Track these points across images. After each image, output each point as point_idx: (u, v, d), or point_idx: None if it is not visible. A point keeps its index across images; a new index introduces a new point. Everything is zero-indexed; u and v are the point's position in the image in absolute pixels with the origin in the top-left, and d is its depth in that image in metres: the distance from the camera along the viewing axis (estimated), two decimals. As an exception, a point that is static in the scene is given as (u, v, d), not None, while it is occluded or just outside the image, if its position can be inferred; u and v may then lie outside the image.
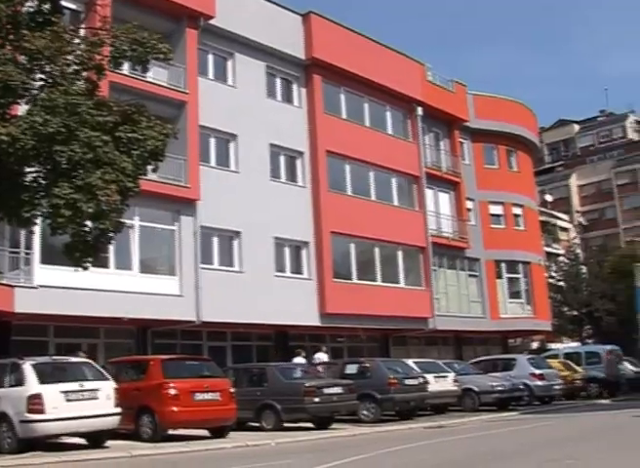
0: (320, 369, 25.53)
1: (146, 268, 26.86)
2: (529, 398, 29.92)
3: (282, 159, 32.31)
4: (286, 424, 21.13)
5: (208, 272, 27.92)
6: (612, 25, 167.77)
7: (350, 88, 35.60)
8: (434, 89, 40.36)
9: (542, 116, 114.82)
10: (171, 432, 18.24)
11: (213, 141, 29.79)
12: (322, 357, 28.77)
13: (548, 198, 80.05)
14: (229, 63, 31.07)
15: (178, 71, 28.01)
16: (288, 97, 33.24)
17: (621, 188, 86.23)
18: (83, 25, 19.41)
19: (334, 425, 22.03)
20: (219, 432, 19.05)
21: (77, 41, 16.95)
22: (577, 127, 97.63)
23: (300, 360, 28.29)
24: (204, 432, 19.09)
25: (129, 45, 16.76)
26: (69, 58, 16.15)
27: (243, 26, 30.72)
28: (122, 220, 17.10)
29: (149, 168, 17.99)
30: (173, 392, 18.01)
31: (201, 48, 29.65)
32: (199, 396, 18.48)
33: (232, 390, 19.37)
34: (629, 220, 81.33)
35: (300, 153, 32.83)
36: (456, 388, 26.99)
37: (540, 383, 30.11)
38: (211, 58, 30.63)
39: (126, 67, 23.54)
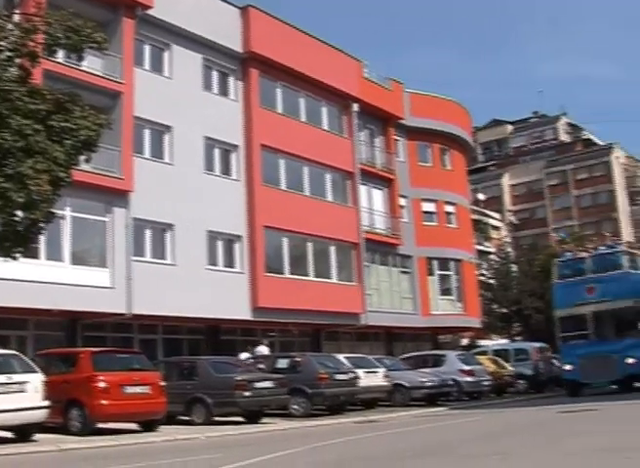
0: (262, 362, 25.61)
1: (77, 260, 26.52)
2: (458, 393, 30.25)
3: (217, 152, 32.15)
4: (216, 418, 21.08)
5: (140, 264, 27.69)
6: (547, 29, 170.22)
7: (287, 82, 35.56)
8: (371, 86, 40.52)
9: (477, 116, 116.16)
10: (100, 425, 18.04)
11: (147, 133, 29.53)
12: (263, 350, 28.81)
13: (481, 197, 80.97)
14: (166, 55, 30.81)
15: (113, 61, 27.69)
16: (224, 91, 33.08)
17: (552, 189, 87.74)
18: (17, 11, 19.13)
19: (264, 419, 22.03)
20: (148, 426, 18.90)
21: (10, 27, 16.69)
22: (510, 127, 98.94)
23: (262, 349, 28.44)
24: (134, 426, 18.93)
25: (63, 32, 16.55)
26: (2, 43, 15.93)
27: (181, 18, 30.48)
28: (53, 211, 16.91)
29: (82, 158, 17.79)
30: (102, 385, 17.79)
31: (138, 38, 29.34)
32: (129, 389, 18.31)
33: (162, 383, 19.23)
34: (559, 220, 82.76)
35: (235, 147, 32.71)
36: (386, 383, 27.16)
37: (468, 379, 30.48)
38: (147, 48, 30.33)
39: (60, 55, 23.23)
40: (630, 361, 27.72)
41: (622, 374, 27.93)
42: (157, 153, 29.64)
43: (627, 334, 29.28)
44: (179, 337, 30.62)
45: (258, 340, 31.87)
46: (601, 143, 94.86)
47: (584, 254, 32.02)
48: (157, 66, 30.46)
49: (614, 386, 29.19)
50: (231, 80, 33.38)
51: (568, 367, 29.47)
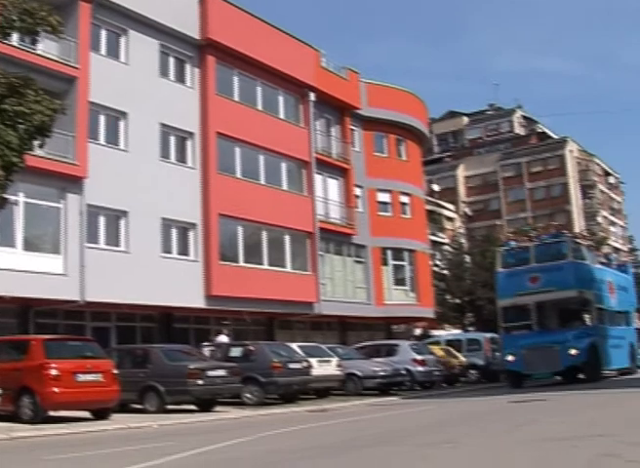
0: (220, 351, 25.67)
1: (30, 246, 26.26)
2: (410, 383, 30.50)
3: (172, 139, 31.96)
4: (169, 406, 21.06)
5: (93, 251, 27.48)
6: (504, 22, 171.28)
7: (244, 70, 35.43)
8: (327, 75, 40.51)
9: (433, 107, 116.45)
10: (52, 413, 17.94)
11: (102, 119, 29.26)
12: (224, 340, 28.82)
13: (435, 188, 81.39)
14: (122, 40, 30.52)
15: (69, 45, 27.38)
16: (181, 77, 32.88)
17: (506, 181, 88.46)
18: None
19: (217, 408, 22.06)
20: (100, 414, 18.83)
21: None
22: (466, 119, 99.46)
23: (223, 338, 28.44)
24: (86, 414, 18.84)
25: (18, 15, 16.38)
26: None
27: (138, 3, 30.19)
28: (6, 196, 16.76)
29: (36, 143, 17.63)
30: (54, 373, 17.66)
31: (94, 22, 29.00)
32: (81, 377, 18.19)
33: (115, 371, 19.14)
34: (513, 212, 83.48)
35: (191, 134, 32.55)
36: (339, 372, 27.29)
37: (421, 369, 30.75)
38: (104, 33, 30.00)
39: (15, 38, 22.99)
40: (573, 352, 27.40)
41: (565, 366, 27.67)
42: (112, 139, 29.39)
43: (571, 325, 29.28)
44: (132, 325, 30.43)
45: (212, 329, 31.85)
46: (555, 137, 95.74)
47: (528, 243, 31.23)
48: (113, 52, 30.16)
49: (558, 377, 29.35)
50: (188, 67, 33.18)
51: (510, 357, 28.75)
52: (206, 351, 26.15)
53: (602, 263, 34.49)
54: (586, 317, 29.58)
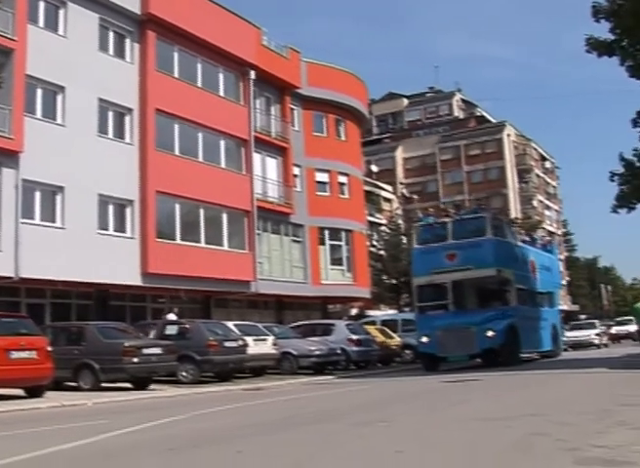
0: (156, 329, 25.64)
1: (-37, 220, 25.89)
2: (346, 362, 30.69)
3: (110, 115, 31.62)
4: (104, 384, 20.93)
5: (28, 227, 27.14)
6: (446, 5, 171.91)
7: (184, 47, 35.17)
8: (268, 54, 40.39)
9: (373, 88, 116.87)
10: (-17, 390, 17.75)
11: (39, 92, 28.82)
12: (173, 318, 28.73)
13: (374, 168, 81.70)
14: (61, 12, 30.05)
15: (5, 16, 26.90)
16: (120, 53, 32.50)
17: (444, 163, 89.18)
18: None
19: (152, 386, 21.98)
20: (34, 391, 18.63)
21: None
22: (406, 101, 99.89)
23: (172, 317, 28.31)
24: (19, 391, 18.65)
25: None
26: None
27: (77, -25, 29.82)
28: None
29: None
30: (-14, 349, 17.49)
31: (32, -6, 28.57)
32: (14, 354, 17.95)
33: (50, 349, 18.96)
34: (450, 195, 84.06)
35: (130, 110, 32.24)
36: (275, 351, 27.38)
37: (356, 348, 30.95)
38: (42, 5, 29.50)
39: (-51, 9, 22.52)
40: (490, 334, 26.15)
41: (482, 348, 26.44)
42: (49, 114, 28.98)
43: (489, 305, 27.95)
44: (67, 302, 30.15)
45: (148, 306, 31.76)
46: (493, 121, 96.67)
47: (446, 219, 29.65)
48: (52, 24, 29.68)
49: (479, 360, 28.37)
50: (128, 42, 32.82)
51: (424, 339, 27.46)
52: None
53: (524, 242, 33.74)
54: (506, 297, 28.15)
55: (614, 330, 60.92)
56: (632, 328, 59.28)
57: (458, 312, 27.55)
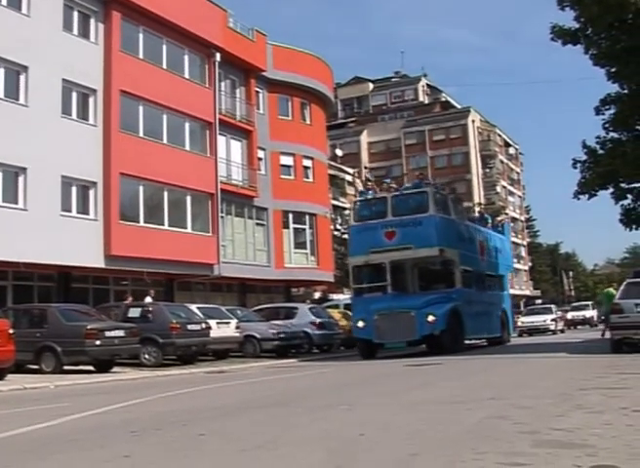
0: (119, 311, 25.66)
1: None
2: (308, 346, 30.82)
3: (74, 95, 31.35)
4: (66, 367, 20.90)
5: (-10, 208, 26.93)
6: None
7: (149, 28, 34.93)
8: (234, 36, 40.25)
9: (339, 72, 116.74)
10: (-56, 372, 17.63)
11: (2, 72, 28.47)
12: (149, 301, 28.75)
13: (339, 152, 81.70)
14: (24, -9, 29.71)
15: (-34, -5, 26.58)
16: (84, 33, 32.20)
17: (409, 148, 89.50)
18: None
19: (115, 369, 21.96)
20: (-5, 374, 18.58)
21: None
22: (371, 85, 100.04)
23: (149, 299, 28.30)
24: (-21, 373, 18.55)
25: None
26: None
27: (40, -46, 29.46)
28: None
29: None
30: (-53, 331, 17.37)
31: (-6, -28, 28.22)
32: (-25, 336, 17.90)
33: (11, 331, 18.86)
34: (414, 179, 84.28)
35: (94, 91, 31.98)
36: (237, 334, 27.46)
37: (319, 332, 31.07)
38: (4, -17, 29.18)
39: None
40: (430, 319, 24.36)
41: (422, 334, 24.71)
42: (12, 94, 28.66)
43: (431, 288, 26.63)
44: (29, 284, 29.97)
45: (111, 289, 31.66)
46: (458, 106, 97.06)
47: (385, 193, 27.63)
48: (15, 2, 29.25)
49: (424, 346, 26.66)
50: (92, 22, 32.51)
51: (360, 323, 25.54)
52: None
53: (473, 221, 32.50)
54: (449, 279, 26.48)
55: (570, 315, 60.31)
56: (589, 313, 59.79)
57: (396, 295, 25.82)
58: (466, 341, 27.93)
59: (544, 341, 32.26)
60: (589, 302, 67.40)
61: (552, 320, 48.72)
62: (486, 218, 35.59)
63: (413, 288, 26.79)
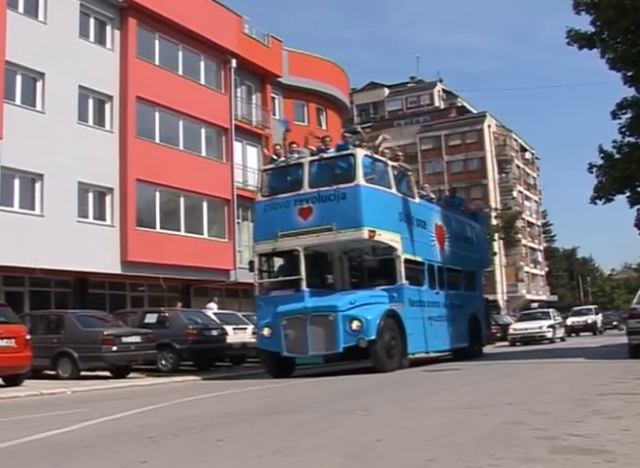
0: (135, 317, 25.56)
1: (-59, 207, 25.77)
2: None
3: (90, 102, 31.51)
4: (83, 373, 20.95)
5: (7, 214, 27.06)
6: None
7: (165, 34, 35.08)
8: (250, 42, 40.37)
9: (354, 78, 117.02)
10: (-39, 378, 17.71)
11: (19, 79, 28.68)
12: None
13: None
14: (41, -2, 29.89)
15: (-16, 2, 26.74)
16: (101, 39, 32.38)
17: (425, 153, 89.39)
18: None
19: (131, 374, 21.98)
20: (13, 380, 18.68)
21: None
22: (387, 91, 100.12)
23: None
24: (-3, 379, 18.64)
25: None
26: None
27: (57, -39, 29.62)
28: None
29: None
30: (-35, 337, 17.45)
31: (11, -21, 28.37)
32: (-7, 342, 17.98)
33: (28, 337, 18.96)
34: (430, 184, 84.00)
35: (110, 97, 32.13)
36: (254, 340, 27.35)
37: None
38: (21, -10, 29.35)
39: None
40: (356, 325, 18.59)
41: (345, 345, 18.75)
42: (29, 100, 28.84)
43: (360, 284, 20.95)
44: (46, 290, 30.09)
45: (127, 295, 31.76)
46: (474, 111, 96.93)
47: (300, 158, 20.96)
48: (31, 10, 29.49)
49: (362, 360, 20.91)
50: (109, 29, 32.69)
51: (265, 331, 19.81)
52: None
53: (430, 200, 25.23)
54: (387, 272, 20.67)
55: (570, 321, 54.33)
56: (592, 318, 54.58)
57: (314, 293, 19.88)
58: (418, 354, 22.61)
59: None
60: (592, 306, 62.88)
61: (550, 326, 42.73)
62: (455, 199, 29.60)
63: (342, 284, 21.20)
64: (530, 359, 22.79)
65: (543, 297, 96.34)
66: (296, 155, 21.21)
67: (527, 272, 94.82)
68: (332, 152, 21.06)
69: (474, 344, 25.86)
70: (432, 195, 26.10)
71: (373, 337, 18.63)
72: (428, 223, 23.42)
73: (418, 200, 23.00)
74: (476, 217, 30.25)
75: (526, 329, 41.98)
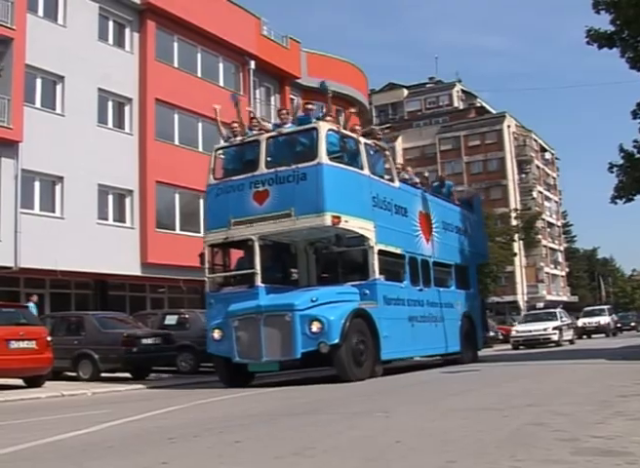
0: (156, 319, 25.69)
1: (-37, 210, 25.93)
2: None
3: (110, 104, 31.69)
4: (103, 374, 21.00)
5: (28, 217, 27.24)
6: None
7: (184, 36, 35.20)
8: (268, 43, 40.41)
9: (373, 79, 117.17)
10: (-17, 380, 17.80)
11: (39, 82, 28.90)
12: None
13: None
14: (61, 2, 30.21)
15: (5, 5, 26.98)
16: (120, 42, 32.55)
17: (444, 154, 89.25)
18: None
19: (151, 375, 22.02)
20: (34, 381, 18.77)
21: None
22: (406, 91, 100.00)
23: None
24: (19, 381, 18.72)
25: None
26: None
27: (76, -35, 29.78)
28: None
29: (-30, 106, 17.35)
30: (-14, 339, 17.55)
31: (31, -17, 28.56)
32: (14, 344, 18.08)
33: (49, 338, 19.06)
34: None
35: (129, 100, 32.28)
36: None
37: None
38: (41, -6, 29.54)
39: (-51, -2, 22.48)
40: (316, 327, 15.93)
41: (304, 350, 16.06)
42: (49, 103, 29.03)
43: (326, 279, 18.17)
44: (66, 292, 30.24)
45: (147, 296, 31.82)
46: (493, 112, 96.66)
47: (257, 134, 18.67)
48: (51, 13, 29.71)
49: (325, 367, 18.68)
50: (127, 32, 32.86)
51: (216, 334, 17.36)
52: None
53: (412, 184, 21.93)
54: (358, 265, 18.15)
55: (581, 322, 51.31)
56: (604, 319, 51.35)
57: (270, 289, 17.38)
58: (394, 359, 20.06)
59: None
60: (605, 306, 59.59)
61: (555, 328, 39.20)
62: (447, 186, 25.64)
63: (308, 280, 18.56)
64: (546, 360, 22.65)
65: (564, 298, 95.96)
66: (254, 132, 18.75)
67: (547, 273, 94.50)
68: (292, 127, 18.51)
69: (467, 348, 23.14)
70: (417, 179, 22.89)
71: (336, 341, 15.99)
72: (411, 211, 20.53)
73: (397, 184, 20.12)
74: (471, 206, 26.96)
75: (529, 331, 39.09)
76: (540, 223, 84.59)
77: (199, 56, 36.68)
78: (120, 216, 31.60)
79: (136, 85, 32.64)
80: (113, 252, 29.91)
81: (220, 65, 38.13)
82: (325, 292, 17.04)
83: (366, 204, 18.03)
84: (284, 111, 19.71)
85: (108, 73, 31.08)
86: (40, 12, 29.37)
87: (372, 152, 19.31)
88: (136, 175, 31.85)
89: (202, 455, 6.83)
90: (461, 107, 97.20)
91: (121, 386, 19.47)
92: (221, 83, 37.70)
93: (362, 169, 18.21)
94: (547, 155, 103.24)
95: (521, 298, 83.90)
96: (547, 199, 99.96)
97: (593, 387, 12.14)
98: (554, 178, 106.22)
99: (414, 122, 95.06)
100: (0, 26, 27.03)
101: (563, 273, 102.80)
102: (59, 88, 29.56)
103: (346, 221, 16.96)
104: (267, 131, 18.97)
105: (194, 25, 35.09)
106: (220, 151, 19.50)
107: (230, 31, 37.09)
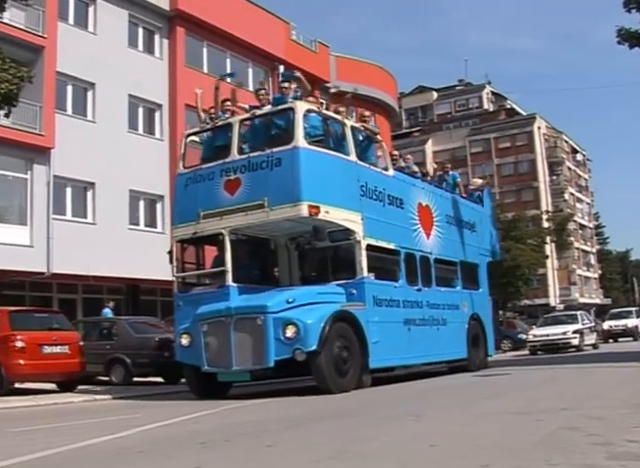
0: None
1: (-4, 217, 26.16)
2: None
3: (140, 111, 31.87)
4: (135, 378, 21.07)
5: (60, 223, 27.43)
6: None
7: (213, 42, 35.32)
8: (297, 48, 40.46)
9: (402, 82, 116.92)
10: (17, 385, 17.92)
11: (70, 89, 29.12)
12: None
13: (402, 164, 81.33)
14: (91, 9, 30.33)
15: (36, 14, 27.19)
16: (149, 48, 32.72)
17: (474, 156, 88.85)
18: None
19: (183, 380, 22.04)
20: (67, 386, 18.90)
21: None
22: (435, 94, 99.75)
23: None
24: (52, 386, 18.83)
25: (-16, -16, 16.18)
26: None
27: (106, -28, 29.99)
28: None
29: (2, 112, 17.48)
30: (20, 344, 17.67)
31: (62, -9, 28.80)
32: (47, 349, 18.20)
33: (81, 343, 19.18)
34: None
35: (159, 106, 32.44)
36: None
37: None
38: (72, 2, 29.93)
39: (-19, 7, 22.65)
40: (291, 332, 14.02)
41: (277, 358, 14.17)
42: (80, 110, 29.25)
43: (309, 278, 16.86)
44: (98, 297, 30.37)
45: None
46: (524, 113, 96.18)
47: (230, 117, 16.86)
48: (82, 21, 29.96)
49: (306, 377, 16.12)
50: (157, 38, 33.02)
51: (184, 340, 15.53)
52: None
53: (410, 173, 20.43)
54: (342, 262, 16.54)
55: (606, 325, 48.25)
56: (632, 322, 47.58)
57: (243, 289, 15.50)
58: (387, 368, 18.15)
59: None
60: (633, 308, 54.41)
61: (576, 332, 36.41)
62: (452, 177, 23.53)
63: (289, 279, 17.00)
64: (579, 363, 22.47)
65: (597, 301, 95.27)
66: (227, 115, 16.94)
67: (579, 275, 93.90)
68: (267, 109, 16.54)
69: (475, 354, 21.27)
70: (415, 168, 21.49)
71: (313, 348, 14.07)
72: (408, 202, 18.62)
73: (391, 172, 18.22)
74: (480, 199, 24.64)
75: (547, 335, 36.31)
76: (571, 225, 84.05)
77: (228, 61, 36.77)
78: (151, 222, 31.75)
79: (166, 91, 32.79)
80: (145, 256, 30.00)
81: (250, 70, 38.20)
82: (304, 292, 15.36)
83: (352, 193, 16.09)
84: (262, 91, 17.53)
85: (138, 79, 31.26)
86: (70, 20, 29.62)
87: (360, 137, 17.53)
88: (167, 180, 31.93)
89: (234, 460, 6.82)
90: (491, 109, 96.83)
91: (151, 389, 19.54)
92: (251, 88, 37.74)
93: (348, 154, 16.29)
94: (579, 156, 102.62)
95: (553, 301, 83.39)
96: (579, 201, 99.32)
97: (626, 390, 12.03)
98: (586, 180, 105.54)
99: (444, 125, 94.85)
100: (32, 35, 27.32)
101: (596, 275, 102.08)
102: (89, 94, 29.78)
103: (327, 212, 15.00)
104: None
105: (223, 31, 35.20)
106: (191, 138, 18.05)
107: (259, 36, 37.17)
